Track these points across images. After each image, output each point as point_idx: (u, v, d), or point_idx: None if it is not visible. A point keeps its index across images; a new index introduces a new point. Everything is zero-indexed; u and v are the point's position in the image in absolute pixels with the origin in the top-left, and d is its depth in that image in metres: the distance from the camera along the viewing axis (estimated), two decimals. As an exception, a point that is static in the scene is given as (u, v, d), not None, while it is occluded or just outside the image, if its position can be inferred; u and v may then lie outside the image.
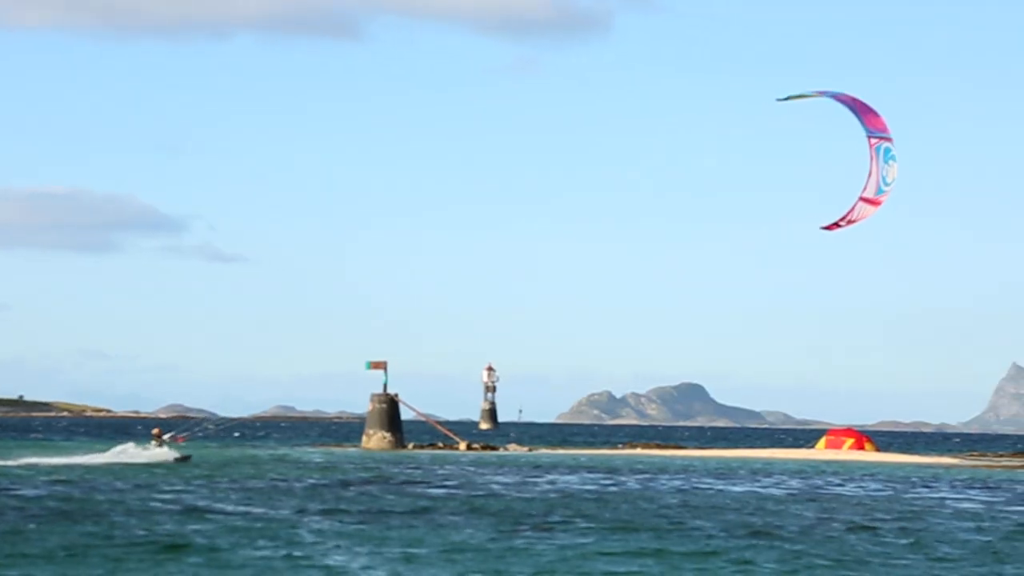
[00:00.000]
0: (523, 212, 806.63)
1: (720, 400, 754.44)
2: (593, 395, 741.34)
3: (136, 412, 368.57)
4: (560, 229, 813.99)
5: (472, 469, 70.68)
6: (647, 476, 66.90)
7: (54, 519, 38.13)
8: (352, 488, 53.24)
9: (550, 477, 64.46)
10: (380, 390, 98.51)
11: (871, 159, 56.41)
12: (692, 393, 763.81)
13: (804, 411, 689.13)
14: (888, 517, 44.47)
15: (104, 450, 74.49)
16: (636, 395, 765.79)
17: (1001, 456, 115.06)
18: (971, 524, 42.48)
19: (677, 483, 61.26)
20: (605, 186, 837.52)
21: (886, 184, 56.22)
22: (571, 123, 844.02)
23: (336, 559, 30.88)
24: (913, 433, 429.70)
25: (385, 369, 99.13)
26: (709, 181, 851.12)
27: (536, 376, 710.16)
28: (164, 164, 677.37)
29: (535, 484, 58.31)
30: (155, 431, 72.73)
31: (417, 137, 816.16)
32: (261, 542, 33.47)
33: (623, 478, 64.70)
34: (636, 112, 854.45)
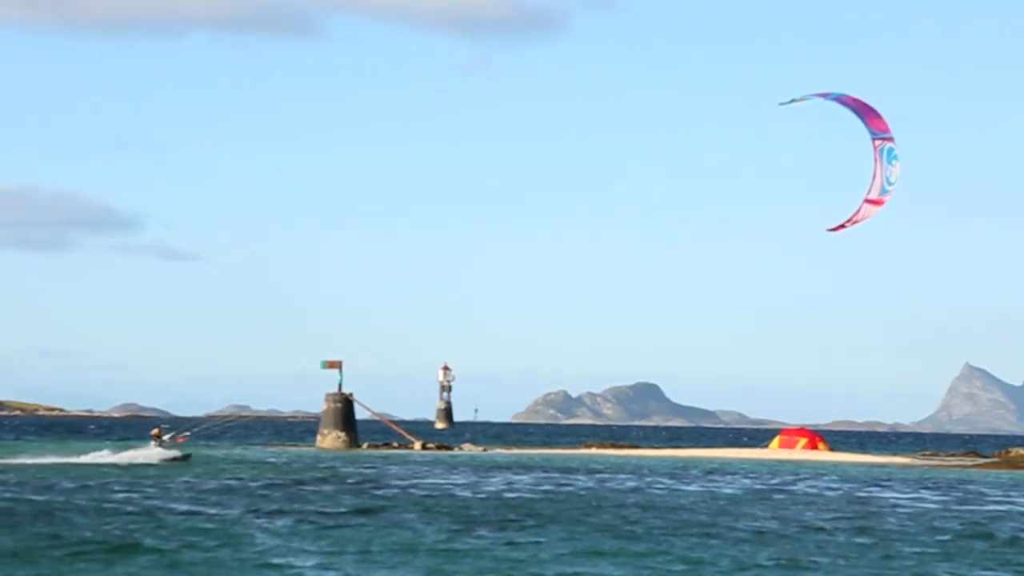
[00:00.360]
0: (479, 212, 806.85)
1: (675, 400, 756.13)
2: (549, 395, 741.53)
3: (89, 411, 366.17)
4: (516, 229, 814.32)
5: (426, 469, 70.61)
6: (602, 476, 66.97)
7: (1, 519, 37.86)
8: (305, 488, 53.06)
9: (504, 477, 64.45)
10: (335, 390, 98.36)
11: (875, 161, 56.89)
12: (647, 393, 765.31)
13: (759, 411, 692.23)
14: (840, 517, 44.68)
15: (94, 450, 75.51)
16: (592, 395, 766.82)
17: (953, 455, 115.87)
18: (922, 524, 42.75)
19: (632, 483, 61.36)
20: (560, 186, 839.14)
21: (889, 184, 56.80)
22: (527, 123, 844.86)
23: (288, 559, 30.79)
24: (867, 433, 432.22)
25: (340, 369, 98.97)
26: (663, 182, 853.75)
27: (492, 376, 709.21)
28: (117, 162, 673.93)
29: (489, 484, 58.29)
30: (155, 431, 73.37)
31: (373, 136, 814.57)
32: (213, 543, 33.31)
33: (578, 478, 64.76)
34: (592, 111, 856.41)
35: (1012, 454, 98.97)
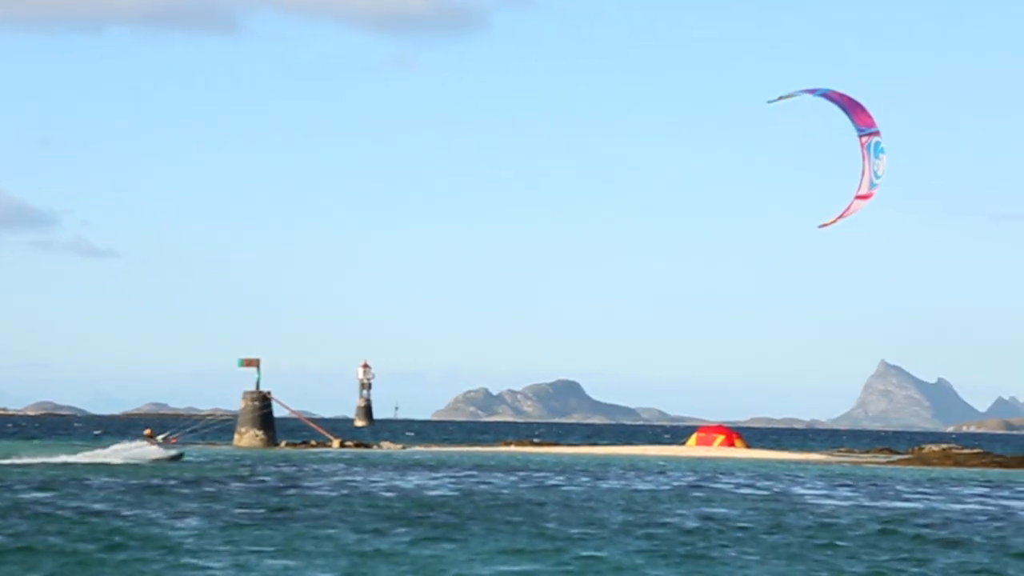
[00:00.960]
0: (401, 209, 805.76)
1: (596, 397, 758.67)
2: (469, 392, 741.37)
3: (4, 410, 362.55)
4: (437, 226, 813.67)
5: (344, 467, 70.43)
6: (521, 474, 67.14)
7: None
8: (221, 487, 52.79)
9: (422, 475, 64.44)
10: (253, 388, 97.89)
11: (863, 158, 57.24)
12: (568, 390, 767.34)
13: (678, 408, 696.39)
14: (751, 513, 45.10)
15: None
16: (512, 392, 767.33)
17: (867, 452, 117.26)
18: (832, 520, 43.25)
19: (551, 481, 61.56)
20: (481, 184, 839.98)
21: (877, 177, 57.18)
22: (449, 120, 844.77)
23: (202, 560, 30.66)
24: (784, 430, 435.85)
25: (258, 367, 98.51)
26: (582, 179, 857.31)
27: (413, 373, 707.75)
28: (34, 158, 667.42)
29: (407, 483, 58.27)
30: (147, 431, 74.53)
31: (293, 133, 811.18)
32: (128, 544, 33.09)
33: (497, 476, 64.89)
34: (513, 108, 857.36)
35: (925, 451, 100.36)
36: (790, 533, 38.78)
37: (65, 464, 66.63)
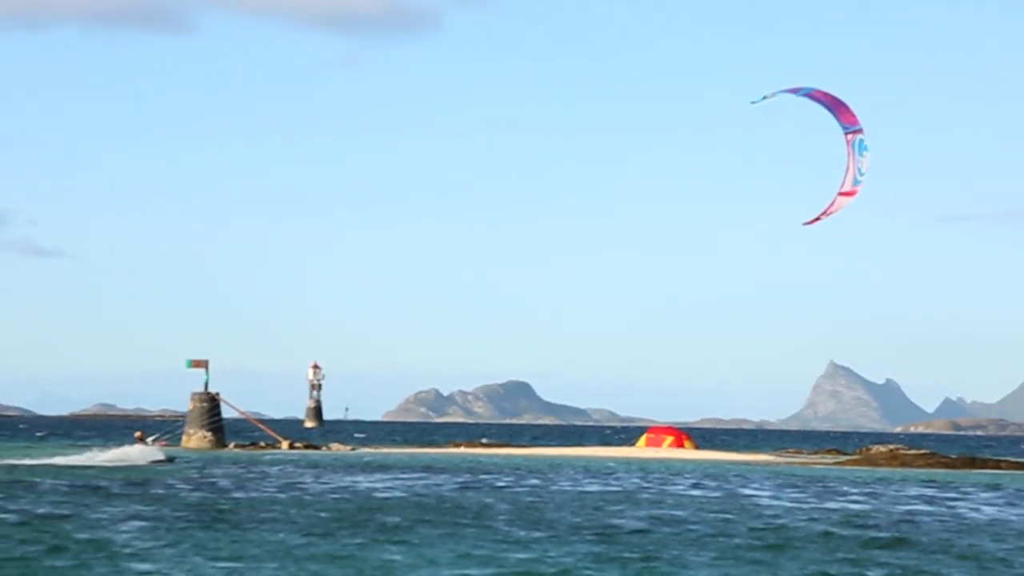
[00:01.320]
0: (349, 210, 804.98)
1: (547, 398, 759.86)
2: (420, 393, 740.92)
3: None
4: (387, 226, 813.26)
5: (292, 469, 70.17)
6: (471, 476, 67.08)
7: None
8: (169, 489, 52.48)
9: (371, 477, 64.29)
10: (201, 389, 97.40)
11: (848, 155, 57.49)
12: (519, 391, 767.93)
13: (629, 408, 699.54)
14: (698, 515, 45.23)
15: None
16: (463, 393, 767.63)
17: (815, 453, 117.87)
18: (778, 521, 43.44)
19: (501, 483, 61.55)
20: (431, 184, 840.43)
21: (861, 175, 57.48)
22: (399, 120, 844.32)
23: (148, 564, 30.48)
24: (734, 430, 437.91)
25: (206, 367, 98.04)
26: (532, 178, 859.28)
27: (363, 374, 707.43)
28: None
29: (355, 485, 58.12)
30: (137, 434, 75.33)
31: (243, 133, 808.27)
32: (71, 547, 32.83)
33: (446, 478, 64.81)
34: (464, 109, 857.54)
35: (872, 452, 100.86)
36: (737, 535, 38.92)
37: (52, 466, 66.79)
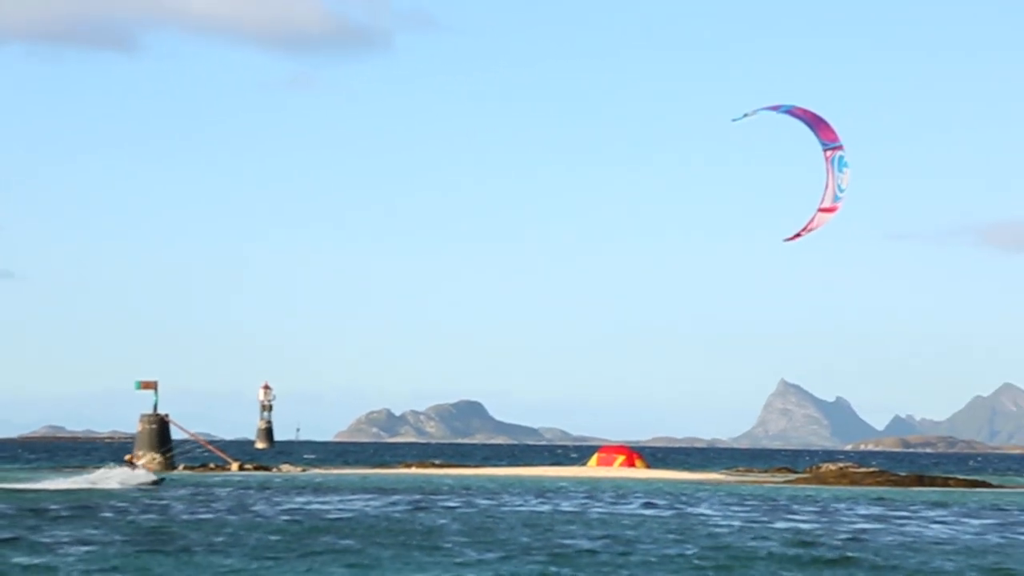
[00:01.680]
0: (299, 229, 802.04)
1: (499, 417, 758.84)
2: (372, 413, 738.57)
3: None
4: (337, 245, 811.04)
5: (242, 491, 69.72)
6: (421, 496, 66.85)
7: None
8: (115, 512, 52.00)
9: (322, 498, 63.95)
10: (150, 410, 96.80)
11: (827, 172, 57.39)
12: (471, 411, 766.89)
13: (581, 428, 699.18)
14: (647, 534, 45.19)
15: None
16: (415, 413, 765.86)
17: (766, 472, 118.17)
18: (727, 541, 43.47)
19: (451, 503, 61.35)
20: (382, 202, 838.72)
21: (841, 191, 57.40)
22: (349, 139, 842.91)
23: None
24: (686, 449, 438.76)
25: (155, 389, 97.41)
26: (482, 198, 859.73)
27: (315, 394, 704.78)
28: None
29: (306, 506, 57.81)
30: (127, 457, 77.66)
31: (190, 153, 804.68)
32: (11, 572, 32.47)
33: (397, 498, 64.57)
34: (413, 127, 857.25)
35: (822, 470, 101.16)
36: (686, 555, 38.93)
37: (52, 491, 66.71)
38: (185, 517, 50.25)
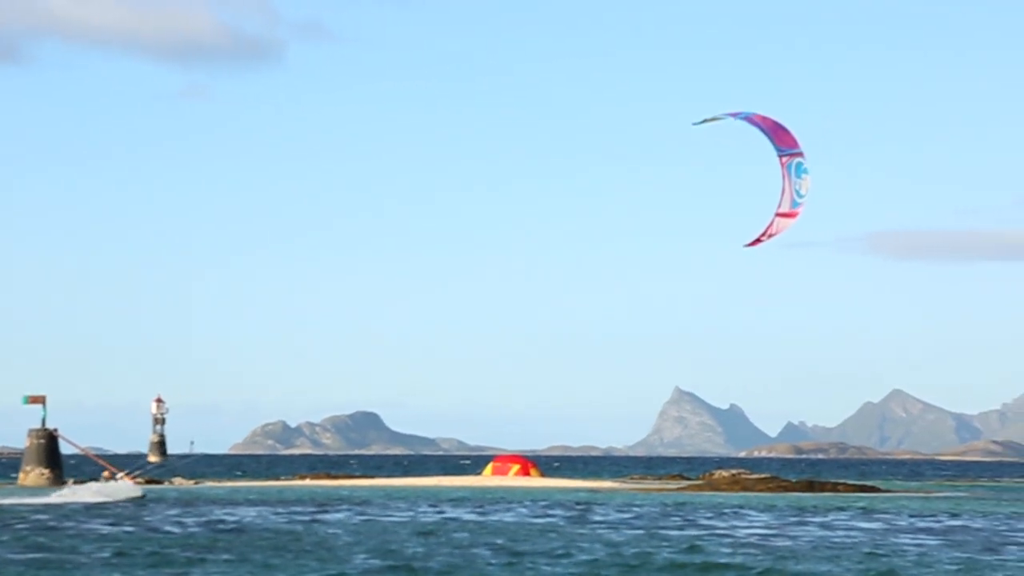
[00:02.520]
0: (191, 240, 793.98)
1: (395, 428, 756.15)
2: (267, 425, 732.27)
3: None
4: (230, 256, 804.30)
5: (131, 506, 68.82)
6: (313, 508, 66.43)
7: None
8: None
9: (215, 510, 63.30)
10: (39, 425, 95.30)
11: (783, 177, 57.30)
12: (367, 422, 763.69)
13: (478, 437, 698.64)
14: (539, 542, 45.25)
15: None
16: (311, 424, 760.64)
17: (660, 479, 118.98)
18: (615, 548, 43.70)
19: (339, 515, 61.00)
20: (274, 214, 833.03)
21: (800, 196, 57.17)
22: (243, 149, 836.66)
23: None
24: (583, 457, 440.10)
25: (44, 404, 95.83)
26: (376, 208, 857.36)
27: (210, 406, 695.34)
28: None
29: (197, 519, 57.19)
30: (105, 473, 77.47)
31: (82, 162, 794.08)
32: None
33: (292, 509, 64.13)
34: (309, 138, 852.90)
35: (715, 477, 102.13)
36: (573, 563, 39.03)
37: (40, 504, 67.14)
38: (71, 532, 49.42)
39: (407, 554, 41.03)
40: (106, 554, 40.41)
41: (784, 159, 58.05)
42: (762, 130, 58.17)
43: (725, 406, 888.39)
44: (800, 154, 57.94)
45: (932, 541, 47.70)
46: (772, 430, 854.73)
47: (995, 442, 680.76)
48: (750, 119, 58.31)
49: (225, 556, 40.19)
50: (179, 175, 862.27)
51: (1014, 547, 45.58)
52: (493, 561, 39.08)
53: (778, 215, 57.87)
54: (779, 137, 57.93)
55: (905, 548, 44.59)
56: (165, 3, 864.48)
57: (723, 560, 39.75)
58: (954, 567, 38.54)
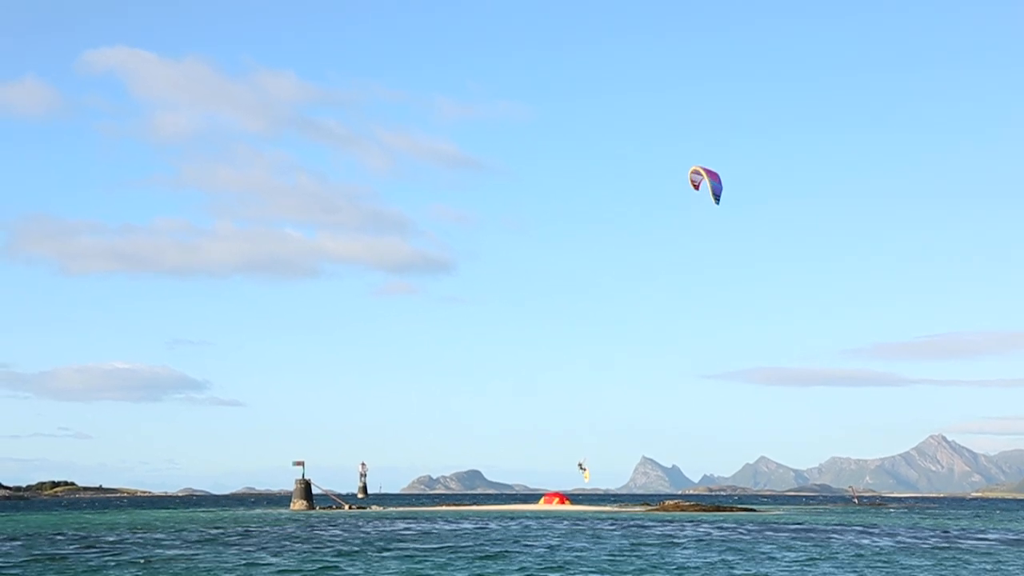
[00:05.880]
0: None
1: (490, 479, 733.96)
2: (420, 476, 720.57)
3: None
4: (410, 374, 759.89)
5: (353, 521, 68.35)
6: (448, 521, 65.10)
7: None
8: (280, 531, 50.73)
9: (397, 524, 62.71)
10: (301, 476, 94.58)
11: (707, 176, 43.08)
12: (473, 476, 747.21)
13: (535, 483, 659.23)
14: (567, 541, 43.68)
15: None
16: (444, 476, 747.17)
17: (635, 506, 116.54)
18: (604, 540, 42.34)
19: (466, 525, 59.20)
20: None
21: (718, 197, 43.02)
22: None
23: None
24: (591, 495, 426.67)
25: (303, 465, 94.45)
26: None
27: (388, 466, 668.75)
28: None
29: (386, 527, 56.75)
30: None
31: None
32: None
33: (437, 523, 62.64)
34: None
35: (665, 504, 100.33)
36: (601, 543, 38.35)
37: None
38: (322, 534, 48.70)
39: (511, 533, 40.73)
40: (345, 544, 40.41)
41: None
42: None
43: (669, 465, 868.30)
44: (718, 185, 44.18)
45: (774, 532, 46.65)
46: (695, 478, 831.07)
47: (816, 485, 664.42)
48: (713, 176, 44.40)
49: (406, 547, 39.47)
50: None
51: (835, 536, 44.17)
52: (552, 541, 38.98)
53: (708, 172, 44.15)
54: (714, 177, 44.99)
55: (756, 541, 43.64)
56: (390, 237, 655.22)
57: (661, 543, 39.25)
58: (794, 542, 37.95)
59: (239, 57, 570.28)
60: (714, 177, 43.39)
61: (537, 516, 75.66)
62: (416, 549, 35.78)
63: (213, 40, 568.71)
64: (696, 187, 43.21)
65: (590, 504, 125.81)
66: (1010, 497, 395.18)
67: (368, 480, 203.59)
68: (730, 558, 33.97)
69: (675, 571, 29.24)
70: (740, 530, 52.48)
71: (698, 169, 43.25)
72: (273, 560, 31.94)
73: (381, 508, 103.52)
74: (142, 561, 30.67)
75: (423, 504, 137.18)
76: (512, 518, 71.44)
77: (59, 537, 45.96)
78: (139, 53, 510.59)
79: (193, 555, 32.87)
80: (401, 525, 59.71)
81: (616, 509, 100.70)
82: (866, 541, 43.84)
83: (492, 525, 58.76)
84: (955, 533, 52.93)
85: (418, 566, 29.70)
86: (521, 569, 29.72)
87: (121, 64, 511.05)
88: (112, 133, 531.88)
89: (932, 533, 52.62)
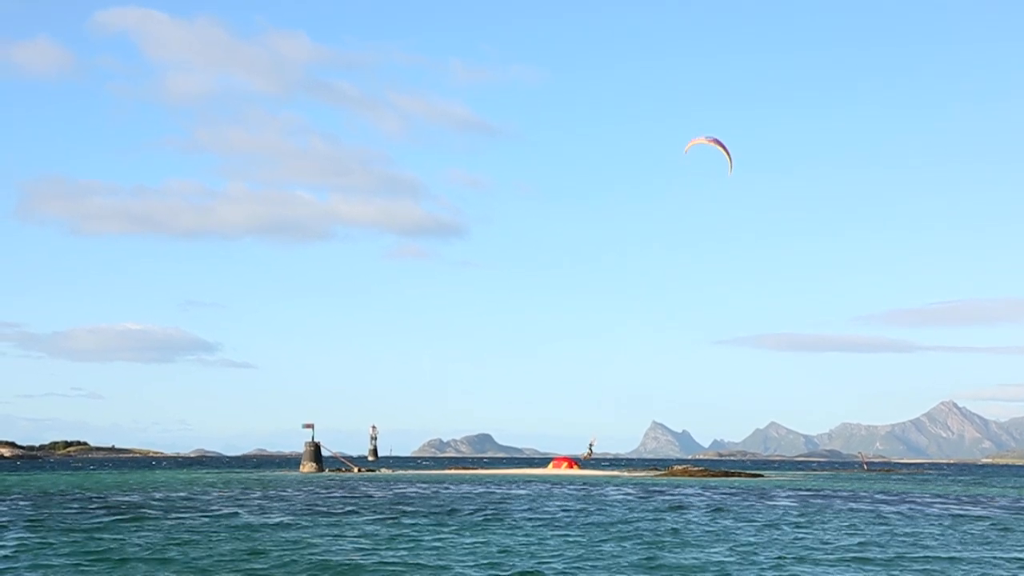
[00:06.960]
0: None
1: (500, 442, 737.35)
2: (431, 439, 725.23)
3: None
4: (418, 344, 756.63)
5: (360, 482, 68.84)
6: (457, 484, 65.66)
7: None
8: (291, 491, 51.26)
9: (409, 487, 63.05)
10: (311, 439, 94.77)
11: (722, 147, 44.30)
12: (484, 439, 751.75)
13: (545, 447, 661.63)
14: (575, 504, 44.26)
15: None
16: (454, 440, 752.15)
17: (645, 471, 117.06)
18: (616, 506, 42.35)
19: (467, 487, 59.62)
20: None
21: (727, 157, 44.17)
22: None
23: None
24: (604, 458, 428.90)
25: (312, 428, 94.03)
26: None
27: (400, 429, 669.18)
28: None
29: (395, 489, 57.09)
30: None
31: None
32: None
33: (447, 486, 63.37)
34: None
35: (675, 469, 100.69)
36: (591, 515, 38.34)
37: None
38: (332, 495, 49.13)
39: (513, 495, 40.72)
40: (353, 508, 40.50)
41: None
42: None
43: (680, 430, 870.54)
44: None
45: (781, 496, 46.56)
46: (705, 443, 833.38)
47: (826, 451, 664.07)
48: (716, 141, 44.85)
49: (418, 509, 39.53)
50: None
51: (822, 501, 44.07)
52: (569, 504, 38.95)
53: (716, 142, 44.63)
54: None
55: (766, 509, 43.65)
56: (402, 201, 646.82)
57: (671, 506, 39.14)
58: (791, 508, 37.96)
59: (252, 18, 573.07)
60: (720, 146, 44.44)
61: (544, 480, 75.70)
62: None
63: (225, 1, 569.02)
64: (717, 144, 43.94)
65: (599, 469, 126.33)
66: (1020, 464, 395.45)
67: (379, 443, 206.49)
68: (728, 523, 33.58)
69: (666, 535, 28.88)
70: (745, 496, 52.15)
71: (704, 141, 44.16)
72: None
73: (391, 471, 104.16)
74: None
75: (433, 467, 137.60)
76: (519, 482, 71.34)
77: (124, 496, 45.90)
78: (151, 14, 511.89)
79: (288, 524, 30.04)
80: (406, 489, 59.47)
81: (625, 474, 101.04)
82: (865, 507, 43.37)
83: (490, 489, 58.63)
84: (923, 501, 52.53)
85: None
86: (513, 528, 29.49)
87: (134, 25, 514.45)
88: (125, 94, 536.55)
89: (932, 500, 52.28)
